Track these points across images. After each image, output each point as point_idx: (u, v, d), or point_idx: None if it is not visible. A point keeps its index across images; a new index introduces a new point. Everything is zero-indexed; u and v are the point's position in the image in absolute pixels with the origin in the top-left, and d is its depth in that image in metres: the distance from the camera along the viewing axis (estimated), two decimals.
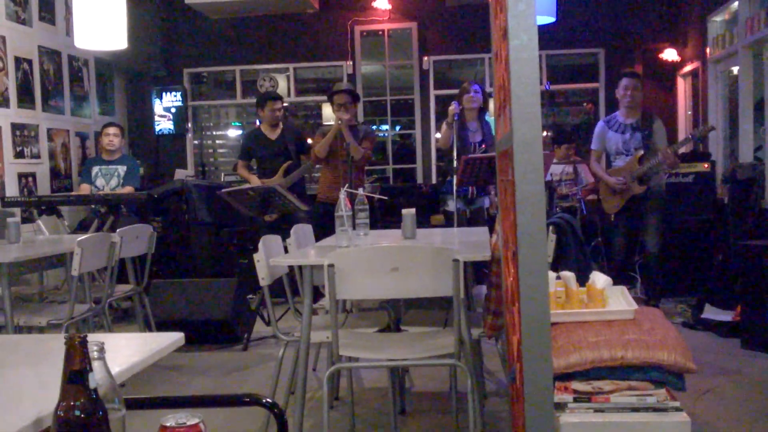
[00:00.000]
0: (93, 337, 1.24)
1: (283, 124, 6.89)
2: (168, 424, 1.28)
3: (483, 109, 6.29)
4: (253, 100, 9.57)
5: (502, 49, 2.08)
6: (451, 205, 6.14)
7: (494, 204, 6.38)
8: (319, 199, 6.43)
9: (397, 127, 9.81)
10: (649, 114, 6.18)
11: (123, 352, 1.67)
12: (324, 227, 5.57)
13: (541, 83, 6.38)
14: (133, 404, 1.49)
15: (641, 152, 6.04)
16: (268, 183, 6.33)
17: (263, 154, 6.80)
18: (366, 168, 7.42)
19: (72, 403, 1.16)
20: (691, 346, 2.42)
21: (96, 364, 1.22)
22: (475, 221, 6.13)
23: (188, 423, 1.29)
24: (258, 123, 9.65)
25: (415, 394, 4.40)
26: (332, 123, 6.34)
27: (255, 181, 6.57)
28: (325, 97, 9.21)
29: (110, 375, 1.27)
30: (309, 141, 7.36)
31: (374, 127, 9.66)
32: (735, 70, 7.39)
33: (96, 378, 1.20)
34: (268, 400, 1.71)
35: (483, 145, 6.17)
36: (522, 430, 1.87)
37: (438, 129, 6.32)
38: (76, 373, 1.17)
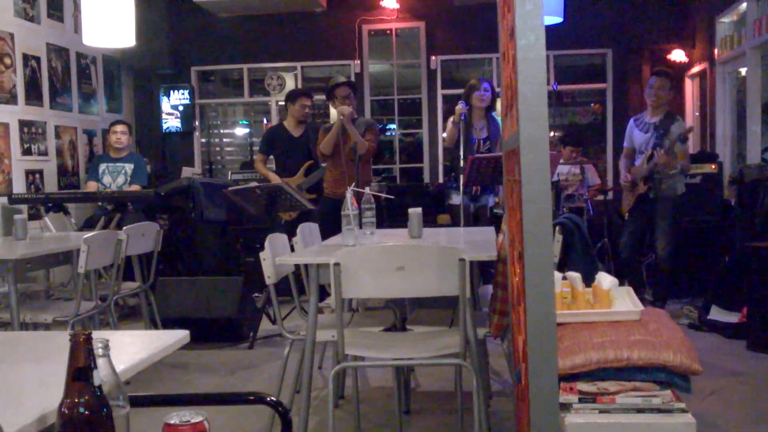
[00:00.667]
0: (98, 335, 1.24)
1: (307, 123, 6.88)
2: (172, 422, 1.29)
3: (490, 107, 6.26)
4: (261, 99, 9.64)
5: (509, 48, 2.08)
6: (455, 198, 6.13)
7: (501, 203, 6.36)
8: (325, 195, 6.41)
9: (403, 127, 9.80)
10: (671, 114, 6.12)
11: (128, 349, 1.67)
12: (331, 223, 5.57)
13: (548, 83, 6.36)
14: (137, 401, 1.49)
15: (650, 152, 6.02)
16: (289, 182, 6.32)
17: (285, 150, 6.76)
18: (373, 166, 7.40)
19: (76, 400, 1.16)
20: (697, 348, 2.41)
21: (101, 362, 1.22)
22: (479, 218, 6.11)
23: (192, 421, 1.29)
24: (265, 122, 9.70)
25: (420, 394, 4.39)
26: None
27: (275, 180, 6.53)
28: None
29: (115, 372, 1.27)
30: None
31: (380, 126, 9.66)
32: (743, 71, 7.37)
33: (100, 375, 1.20)
34: (272, 398, 1.71)
35: (487, 143, 6.16)
36: (527, 430, 1.87)
37: (445, 127, 6.29)
38: (80, 371, 1.17)
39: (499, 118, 6.56)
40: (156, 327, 5.18)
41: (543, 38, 1.71)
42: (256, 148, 8.45)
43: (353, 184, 3.98)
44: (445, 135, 6.36)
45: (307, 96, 6.84)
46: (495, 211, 6.41)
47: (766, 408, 3.97)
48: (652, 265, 6.45)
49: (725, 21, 7.81)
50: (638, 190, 6.08)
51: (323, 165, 6.63)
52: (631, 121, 6.37)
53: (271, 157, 6.96)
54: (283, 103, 7.54)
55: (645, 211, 6.14)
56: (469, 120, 6.07)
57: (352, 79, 9.11)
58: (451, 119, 6.14)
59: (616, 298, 2.73)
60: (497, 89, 7.22)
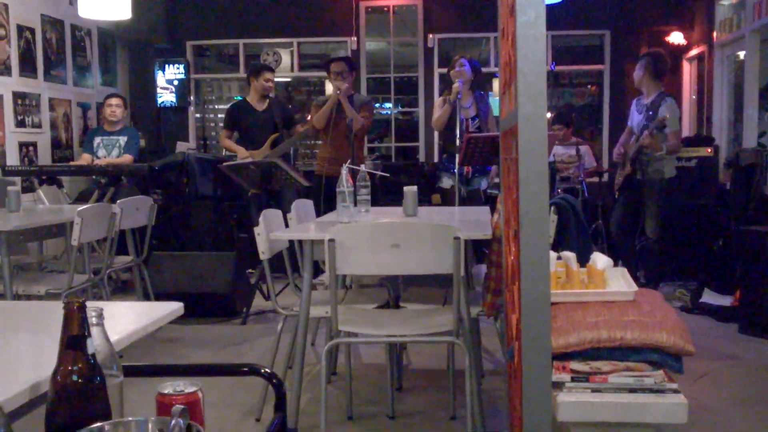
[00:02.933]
0: (92, 304, 1.24)
1: (270, 97, 6.80)
2: (166, 392, 1.28)
3: (475, 84, 6.18)
4: None
5: (508, 25, 2.06)
6: (446, 182, 6.11)
7: (491, 184, 6.32)
8: (317, 173, 6.37)
9: (399, 106, 9.77)
10: (663, 94, 6.11)
11: (121, 320, 1.67)
12: (321, 201, 5.56)
13: (546, 63, 6.30)
14: (131, 371, 1.49)
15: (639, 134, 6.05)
16: (256, 155, 6.29)
17: (249, 124, 6.65)
18: (368, 145, 7.37)
19: (70, 368, 1.15)
20: (690, 330, 2.41)
21: (94, 330, 1.21)
22: (472, 201, 6.08)
23: (186, 391, 1.29)
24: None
25: (412, 371, 4.41)
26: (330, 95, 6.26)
27: (243, 153, 6.49)
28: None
29: (108, 341, 1.27)
30: (296, 116, 7.30)
31: (377, 104, 9.62)
32: (741, 54, 7.36)
33: (94, 344, 1.19)
34: (267, 370, 1.71)
35: (476, 121, 6.11)
36: (519, 408, 1.87)
37: (442, 105, 6.14)
38: (74, 338, 1.16)
39: (495, 98, 6.54)
40: (149, 301, 5.17)
41: (543, 15, 1.69)
42: None
43: (349, 161, 3.96)
44: (435, 116, 6.23)
45: (270, 71, 6.74)
46: (489, 191, 6.38)
47: (758, 390, 3.99)
48: (644, 247, 6.47)
49: (725, 3, 7.79)
50: (625, 170, 6.12)
51: (288, 138, 6.60)
52: (634, 101, 6.39)
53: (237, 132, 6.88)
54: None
55: (633, 192, 6.16)
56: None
57: (349, 55, 9.08)
58: (442, 98, 6.09)
59: (611, 278, 2.73)
60: (495, 69, 7.19)
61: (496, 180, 6.15)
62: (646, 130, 5.90)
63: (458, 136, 5.72)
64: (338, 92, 5.93)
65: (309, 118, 6.22)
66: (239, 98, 7.50)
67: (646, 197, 6.08)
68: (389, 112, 9.67)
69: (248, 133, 6.69)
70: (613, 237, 6.39)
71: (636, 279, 5.77)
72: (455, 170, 5.73)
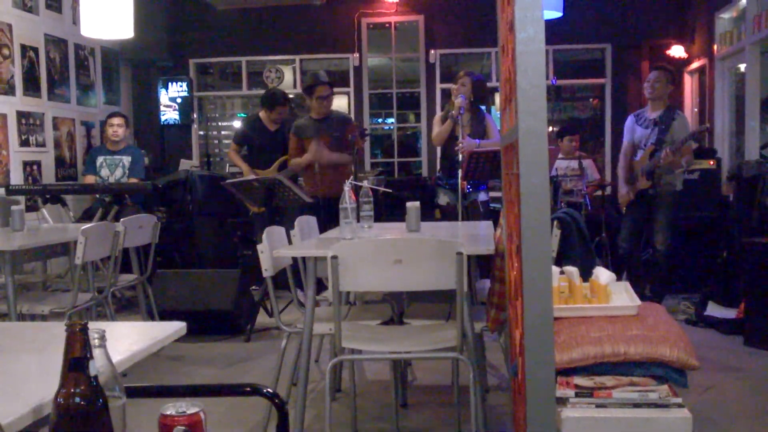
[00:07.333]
0: (94, 325, 1.24)
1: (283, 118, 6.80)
2: (168, 413, 1.28)
3: (478, 99, 6.11)
4: (259, 91, 9.56)
5: (508, 42, 2.08)
6: (442, 198, 6.10)
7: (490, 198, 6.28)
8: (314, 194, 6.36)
9: (401, 121, 9.78)
10: (673, 109, 6.10)
11: (124, 340, 1.67)
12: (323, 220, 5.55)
13: (547, 78, 6.27)
14: (133, 392, 1.49)
15: (652, 147, 6.02)
16: (261, 175, 6.30)
17: (259, 144, 6.71)
18: (372, 160, 7.34)
19: (72, 391, 1.16)
20: (694, 343, 2.41)
21: (97, 352, 1.22)
22: (471, 215, 6.04)
23: (188, 412, 1.28)
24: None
25: (417, 387, 4.40)
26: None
27: (246, 170, 6.53)
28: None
29: (111, 363, 1.27)
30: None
31: (379, 120, 9.63)
32: (742, 67, 7.37)
33: (97, 365, 1.19)
34: (269, 390, 1.70)
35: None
36: (523, 424, 1.87)
37: (442, 121, 6.06)
38: (76, 361, 1.16)
39: (497, 112, 6.53)
40: (153, 319, 5.17)
41: (542, 31, 1.70)
42: None
43: (351, 177, 3.97)
44: (434, 132, 6.16)
45: (284, 105, 6.73)
46: (491, 205, 6.37)
47: (763, 403, 3.98)
48: (650, 260, 6.46)
49: (725, 17, 7.80)
50: (639, 185, 6.09)
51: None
52: (631, 117, 6.37)
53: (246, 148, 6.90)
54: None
55: (644, 206, 6.14)
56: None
57: (351, 72, 9.13)
58: (440, 115, 6.06)
59: (614, 292, 2.73)
60: (496, 84, 7.19)
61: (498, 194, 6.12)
62: (669, 146, 5.85)
63: (460, 150, 5.70)
64: (316, 157, 6.02)
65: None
66: (242, 114, 7.51)
67: (657, 210, 6.06)
68: (391, 128, 9.68)
69: (257, 152, 6.72)
70: (622, 251, 6.38)
71: (642, 293, 5.78)
72: (452, 184, 5.71)
